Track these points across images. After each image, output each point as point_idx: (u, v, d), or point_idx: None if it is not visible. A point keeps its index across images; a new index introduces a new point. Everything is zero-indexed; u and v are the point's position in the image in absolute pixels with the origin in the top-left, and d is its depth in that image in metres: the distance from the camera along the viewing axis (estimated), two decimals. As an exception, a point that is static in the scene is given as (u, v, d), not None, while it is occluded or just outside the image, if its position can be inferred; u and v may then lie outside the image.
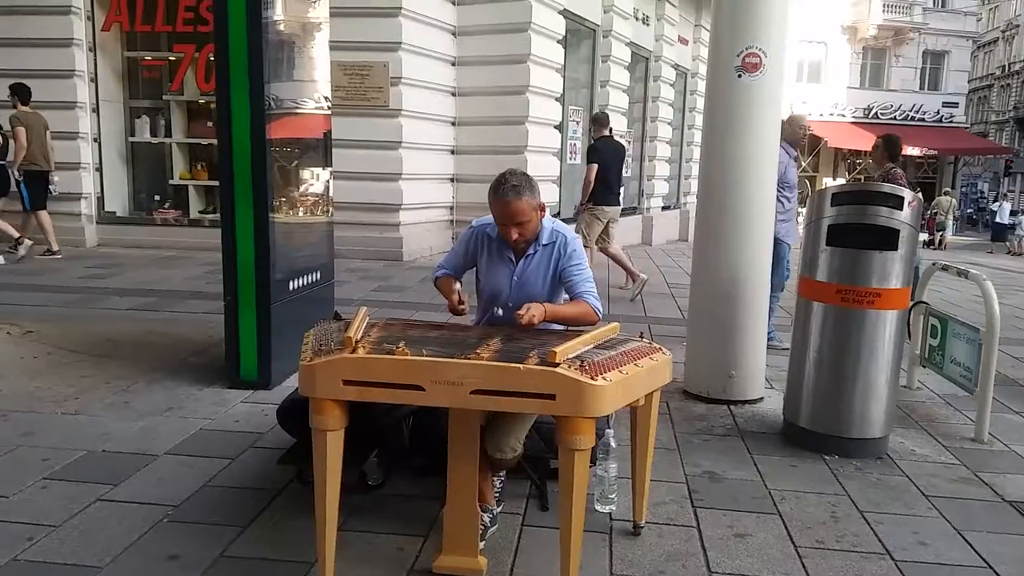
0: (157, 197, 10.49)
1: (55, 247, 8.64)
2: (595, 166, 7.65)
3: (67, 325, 5.41)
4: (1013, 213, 24.42)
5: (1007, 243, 21.86)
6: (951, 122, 34.07)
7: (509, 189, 2.82)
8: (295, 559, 2.53)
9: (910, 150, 31.26)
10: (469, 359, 2.23)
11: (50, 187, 8.78)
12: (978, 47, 42.34)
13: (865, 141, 31.39)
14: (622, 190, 8.36)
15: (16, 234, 8.32)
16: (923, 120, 33.55)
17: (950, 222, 23.20)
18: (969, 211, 36.56)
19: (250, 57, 4.00)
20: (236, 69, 4.02)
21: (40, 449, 3.35)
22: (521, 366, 2.17)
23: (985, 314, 3.88)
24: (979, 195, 37.90)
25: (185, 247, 9.42)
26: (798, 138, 5.83)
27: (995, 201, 26.42)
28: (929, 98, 33.97)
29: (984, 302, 3.91)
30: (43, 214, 8.62)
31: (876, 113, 33.18)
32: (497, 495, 2.86)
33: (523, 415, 2.58)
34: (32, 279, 7.35)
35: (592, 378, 2.16)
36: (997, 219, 24.31)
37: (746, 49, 4.16)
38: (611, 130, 8.37)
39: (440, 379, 2.19)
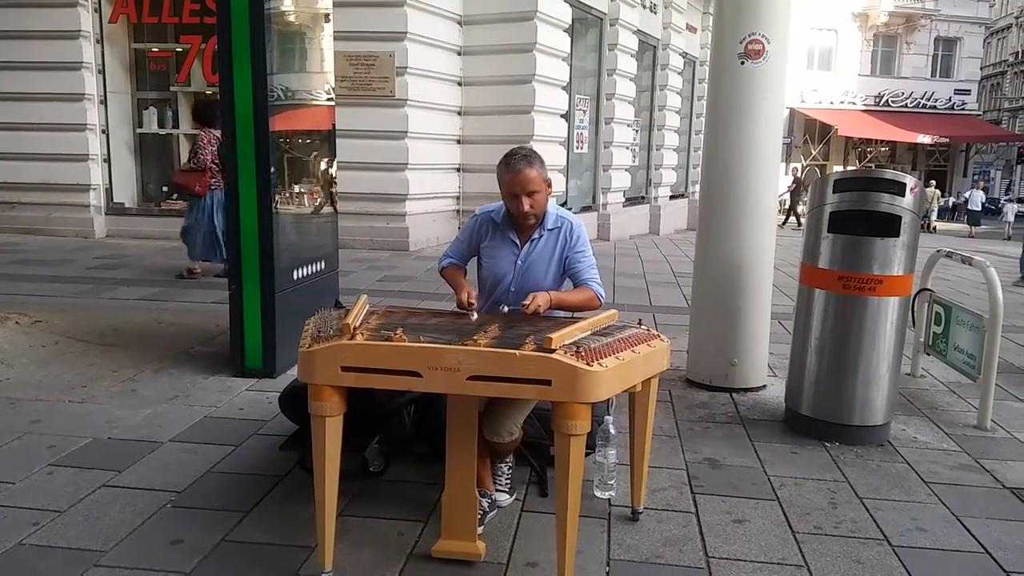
0: (165, 188, 10.54)
1: None
2: None
3: (75, 315, 5.46)
4: (1009, 200, 25.14)
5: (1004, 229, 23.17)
6: (963, 109, 33.72)
7: (520, 159, 2.89)
8: (296, 544, 2.56)
9: (921, 138, 31.05)
10: (466, 345, 2.24)
11: None
12: (991, 33, 41.85)
13: (876, 129, 31.26)
14: None
15: None
16: (935, 108, 33.23)
17: (935, 207, 26.45)
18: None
19: (252, 49, 4.01)
20: (239, 61, 4.03)
21: (47, 436, 3.40)
22: (517, 352, 2.18)
23: (989, 301, 3.87)
24: (988, 182, 37.59)
25: (193, 238, 9.46)
26: None
27: (996, 191, 27.38)
28: (941, 85, 33.61)
29: (987, 289, 3.89)
30: None
31: (887, 101, 32.89)
32: (507, 482, 2.89)
33: (520, 401, 2.60)
34: (41, 269, 7.41)
35: (588, 364, 2.17)
36: (970, 206, 24.93)
37: (749, 36, 4.14)
38: None
39: (437, 365, 2.21)
